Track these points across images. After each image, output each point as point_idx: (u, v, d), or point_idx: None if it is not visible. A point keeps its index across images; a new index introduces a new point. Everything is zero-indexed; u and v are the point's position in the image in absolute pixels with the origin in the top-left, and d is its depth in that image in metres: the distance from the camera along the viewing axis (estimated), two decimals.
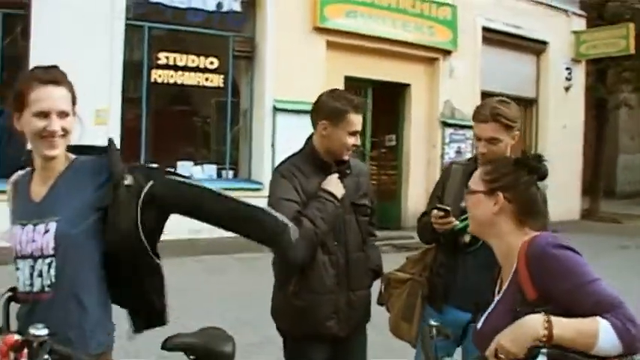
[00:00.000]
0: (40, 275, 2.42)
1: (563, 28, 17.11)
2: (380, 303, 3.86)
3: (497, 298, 2.49)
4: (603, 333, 2.07)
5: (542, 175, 2.51)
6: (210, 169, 11.97)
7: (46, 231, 2.40)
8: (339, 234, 3.48)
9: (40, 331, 2.19)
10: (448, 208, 3.36)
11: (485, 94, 14.86)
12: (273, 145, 11.69)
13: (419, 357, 3.69)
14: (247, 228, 2.68)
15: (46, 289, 2.41)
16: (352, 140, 3.44)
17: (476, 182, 2.54)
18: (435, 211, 3.38)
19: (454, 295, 3.55)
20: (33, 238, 2.42)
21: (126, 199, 2.45)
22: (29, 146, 2.51)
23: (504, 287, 2.44)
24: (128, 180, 2.46)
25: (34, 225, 2.43)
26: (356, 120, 3.43)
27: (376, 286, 3.86)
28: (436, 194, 3.74)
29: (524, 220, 2.46)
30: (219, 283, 8.39)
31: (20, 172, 2.65)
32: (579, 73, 17.66)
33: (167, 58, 11.42)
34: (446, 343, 3.51)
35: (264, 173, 11.07)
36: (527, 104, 16.87)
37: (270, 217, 2.69)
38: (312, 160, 3.51)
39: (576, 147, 17.32)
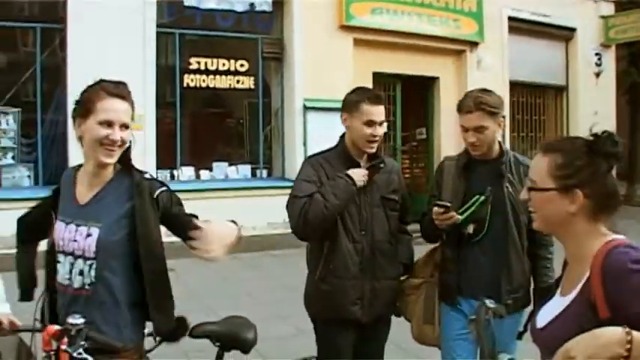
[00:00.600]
0: (81, 274, 2.70)
1: (591, 13, 16.96)
2: (397, 315, 3.98)
3: (563, 301, 2.17)
4: None
5: (619, 158, 2.13)
6: (245, 169, 12.18)
7: (89, 235, 2.68)
8: (366, 224, 3.70)
9: (77, 320, 2.50)
10: (448, 204, 3.49)
11: (513, 84, 14.98)
12: (304, 144, 11.85)
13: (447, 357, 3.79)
14: None
15: (86, 287, 2.69)
16: (370, 130, 3.64)
17: (543, 178, 2.16)
18: (435, 208, 3.49)
19: (467, 287, 3.67)
20: (74, 238, 2.70)
21: (152, 213, 2.74)
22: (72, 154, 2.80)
23: (573, 294, 2.13)
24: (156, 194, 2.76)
25: (77, 226, 2.71)
26: (371, 110, 3.65)
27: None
28: (433, 193, 3.87)
29: (603, 216, 2.14)
30: (255, 279, 8.66)
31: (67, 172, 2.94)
32: (609, 59, 17.45)
33: (198, 63, 11.70)
34: (465, 334, 3.65)
35: (296, 171, 11.06)
36: (557, 92, 16.83)
37: None
38: (342, 156, 3.77)
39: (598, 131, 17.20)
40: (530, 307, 3.57)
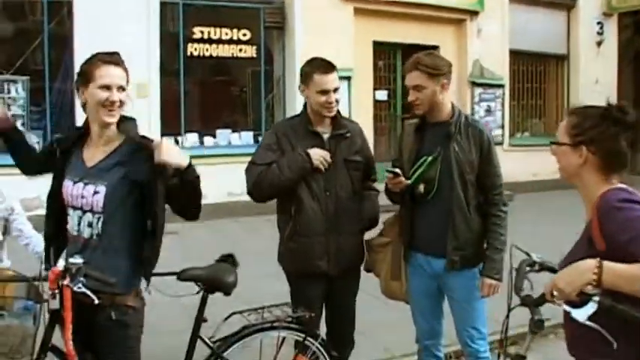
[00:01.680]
0: (90, 226, 3.10)
1: None
2: (367, 269, 4.28)
3: (577, 240, 2.59)
4: None
5: (629, 126, 2.50)
6: (248, 136, 12.44)
7: (96, 192, 3.06)
8: (330, 185, 4.00)
9: (77, 260, 2.90)
10: (397, 170, 3.74)
11: (514, 53, 15.12)
12: None
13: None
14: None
15: (94, 237, 3.10)
16: (324, 98, 3.93)
17: (562, 134, 2.58)
18: (386, 173, 3.78)
19: (420, 243, 3.93)
20: (82, 195, 3.09)
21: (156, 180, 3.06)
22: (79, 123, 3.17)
23: (581, 233, 2.56)
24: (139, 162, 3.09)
25: (85, 184, 3.09)
26: (323, 79, 3.93)
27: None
28: (397, 151, 4.14)
29: (609, 172, 2.51)
30: (254, 240, 9.02)
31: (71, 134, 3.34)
32: (612, 27, 17.45)
33: (202, 32, 11.95)
34: (433, 289, 3.98)
35: None
36: (559, 60, 16.93)
37: None
38: (305, 123, 4.07)
39: (611, 101, 17.27)
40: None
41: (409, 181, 3.78)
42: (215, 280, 3.54)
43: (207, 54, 12.03)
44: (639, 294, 2.19)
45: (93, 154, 3.17)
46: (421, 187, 3.83)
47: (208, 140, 12.10)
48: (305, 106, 4.13)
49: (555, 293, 2.32)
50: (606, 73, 17.20)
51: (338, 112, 4.08)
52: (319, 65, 4.00)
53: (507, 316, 2.70)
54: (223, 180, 11.31)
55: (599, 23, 17.02)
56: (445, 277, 3.90)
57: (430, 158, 3.78)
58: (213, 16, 12.32)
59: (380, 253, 4.19)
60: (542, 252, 2.91)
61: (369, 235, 4.26)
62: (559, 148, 2.60)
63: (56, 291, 2.90)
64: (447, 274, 3.86)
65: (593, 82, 16.70)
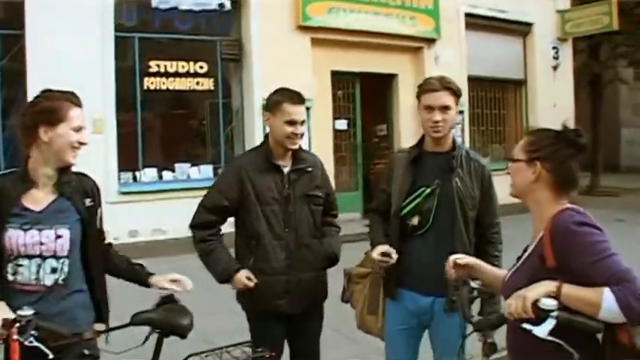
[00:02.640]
0: (54, 271, 3.02)
1: (548, 8, 17.29)
2: (344, 300, 4.08)
3: (524, 256, 2.69)
4: (606, 303, 2.27)
5: (581, 148, 2.63)
6: (207, 170, 12.29)
7: (59, 236, 3.00)
8: (290, 222, 3.89)
9: (26, 311, 2.73)
10: (392, 260, 3.60)
11: (472, 79, 15.25)
12: None
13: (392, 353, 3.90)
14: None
15: (60, 282, 3.04)
16: (291, 129, 3.83)
17: (518, 151, 2.72)
18: (375, 255, 3.63)
19: (410, 279, 3.72)
20: (40, 241, 2.97)
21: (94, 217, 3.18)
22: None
23: (530, 249, 2.66)
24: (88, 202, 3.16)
25: (39, 230, 2.98)
26: (292, 110, 3.84)
27: (338, 279, 4.09)
28: (382, 186, 3.97)
29: (560, 190, 2.63)
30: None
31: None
32: (567, 52, 17.81)
33: (158, 65, 11.82)
34: (412, 327, 3.79)
35: None
36: (516, 85, 17.17)
37: None
38: (266, 156, 3.95)
39: (568, 125, 17.50)
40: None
41: (405, 213, 3.68)
42: (170, 323, 3.42)
43: (164, 87, 11.90)
44: (596, 316, 2.31)
45: (37, 198, 3.04)
46: (415, 220, 3.67)
47: (167, 174, 11.93)
48: (266, 137, 4.03)
49: (518, 308, 2.38)
50: (563, 96, 17.48)
51: (299, 145, 4.01)
52: (290, 95, 3.91)
53: (462, 345, 2.86)
54: (183, 214, 10.94)
55: (554, 48, 17.34)
56: (434, 315, 3.72)
57: (428, 190, 3.64)
58: (169, 49, 12.25)
59: (358, 284, 4.01)
60: None
61: (348, 264, 4.12)
62: (514, 165, 2.72)
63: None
64: (439, 312, 3.69)
65: (551, 106, 16.95)
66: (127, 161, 11.33)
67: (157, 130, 12.64)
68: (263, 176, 3.90)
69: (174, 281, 3.31)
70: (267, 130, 4.05)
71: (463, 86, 14.88)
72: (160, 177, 11.84)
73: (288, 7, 12.65)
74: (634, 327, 2.34)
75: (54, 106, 2.98)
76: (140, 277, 3.38)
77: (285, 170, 3.94)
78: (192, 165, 12.26)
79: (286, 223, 3.89)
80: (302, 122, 3.89)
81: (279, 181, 3.90)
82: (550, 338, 2.32)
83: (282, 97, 3.91)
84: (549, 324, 2.31)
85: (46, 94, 3.05)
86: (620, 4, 17.18)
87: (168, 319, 3.39)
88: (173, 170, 12.04)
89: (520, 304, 2.36)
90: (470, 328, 2.74)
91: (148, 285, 3.35)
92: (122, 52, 11.48)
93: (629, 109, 32.67)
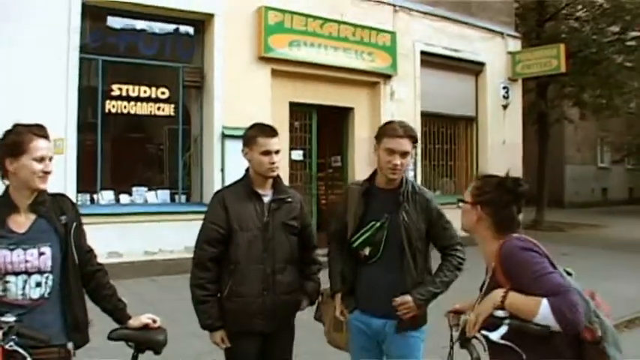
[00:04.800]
0: (39, 285, 3.32)
1: (500, 49, 17.86)
2: (316, 318, 4.49)
3: (483, 289, 3.03)
4: (543, 309, 2.65)
5: (520, 196, 3.04)
6: (164, 195, 12.32)
7: (42, 253, 3.31)
8: (268, 245, 4.15)
9: (8, 318, 3.02)
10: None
11: (425, 115, 15.61)
12: (222, 170, 12.08)
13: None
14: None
15: (45, 295, 3.33)
16: (267, 159, 4.13)
17: (467, 194, 3.14)
18: (337, 314, 4.18)
19: (365, 304, 4.12)
20: (25, 260, 3.28)
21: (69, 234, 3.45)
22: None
23: (486, 281, 3.02)
24: (63, 220, 3.44)
25: (24, 249, 3.28)
26: (266, 142, 4.15)
27: None
28: (340, 212, 4.34)
29: (500, 231, 3.00)
30: (171, 301, 8.92)
31: None
32: (517, 92, 18.36)
33: (120, 89, 11.82)
34: (373, 348, 4.15)
35: None
36: (468, 122, 17.60)
37: None
38: (247, 187, 4.24)
39: (516, 161, 17.92)
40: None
41: (357, 243, 4.04)
42: (146, 338, 3.61)
43: (125, 111, 11.90)
44: (533, 320, 2.69)
45: (20, 221, 3.34)
46: (366, 251, 4.03)
47: (124, 198, 11.93)
48: (247, 170, 4.29)
49: (473, 317, 2.82)
50: (512, 134, 18.02)
51: (279, 178, 4.29)
52: (263, 129, 4.21)
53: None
54: (139, 238, 11.27)
55: (504, 87, 17.87)
56: (387, 337, 4.05)
57: (378, 224, 3.99)
58: (132, 73, 12.28)
59: (328, 304, 4.36)
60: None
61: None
62: (463, 205, 3.14)
63: None
64: (390, 334, 4.02)
65: (501, 143, 17.45)
66: (86, 183, 11.31)
67: (116, 154, 12.60)
68: (244, 204, 4.17)
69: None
70: (244, 163, 4.32)
71: (417, 121, 15.43)
72: (117, 200, 11.83)
73: (250, 38, 12.81)
74: (593, 324, 2.77)
75: (17, 139, 3.29)
76: (118, 316, 3.64)
77: (266, 199, 4.23)
78: (150, 189, 12.26)
79: (264, 247, 4.14)
80: (277, 152, 4.18)
81: (259, 209, 4.18)
82: (502, 341, 2.71)
83: (256, 132, 4.21)
84: (502, 329, 2.71)
85: (15, 128, 3.34)
86: (567, 47, 17.85)
87: (144, 335, 3.62)
88: (130, 194, 12.04)
89: (473, 319, 2.82)
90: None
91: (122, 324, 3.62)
92: (86, 73, 11.53)
93: (573, 146, 33.67)
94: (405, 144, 3.97)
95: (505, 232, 2.98)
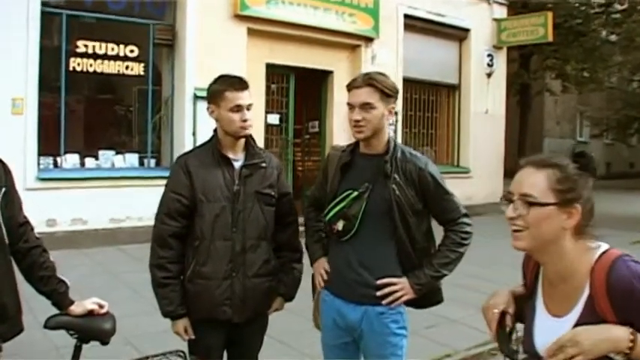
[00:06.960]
0: None
1: (485, 15, 17.45)
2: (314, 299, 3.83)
3: (563, 323, 2.12)
4: None
5: (596, 177, 2.19)
6: (132, 158, 11.84)
7: None
8: (238, 220, 3.55)
9: None
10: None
11: (407, 80, 15.22)
12: (194, 134, 11.62)
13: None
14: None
15: None
16: (239, 116, 3.52)
17: (544, 192, 2.09)
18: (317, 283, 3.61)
19: (334, 285, 3.53)
20: None
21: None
22: None
23: (575, 313, 2.12)
24: None
25: None
26: (236, 96, 3.52)
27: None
28: (319, 180, 3.73)
29: (582, 232, 2.14)
30: (139, 272, 8.44)
31: None
32: (501, 60, 17.99)
33: (86, 46, 11.22)
34: (347, 343, 3.51)
35: None
36: (450, 90, 17.23)
37: None
38: (214, 152, 3.61)
39: (499, 131, 17.70)
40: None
41: (330, 215, 3.44)
42: (90, 327, 3.05)
43: (91, 69, 11.29)
44: None
45: None
46: (339, 225, 3.39)
47: (90, 162, 11.36)
48: (214, 131, 3.68)
49: (572, 352, 1.95)
50: (495, 104, 17.72)
51: (253, 139, 3.70)
52: (231, 82, 3.57)
53: None
54: (106, 204, 10.81)
55: (489, 55, 17.51)
56: (363, 334, 3.44)
57: (355, 194, 3.36)
58: (99, 30, 11.63)
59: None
60: None
61: None
62: (536, 212, 2.08)
63: None
64: (367, 331, 3.41)
65: (483, 112, 17.15)
66: (48, 146, 10.75)
67: (81, 115, 12.09)
68: (210, 171, 3.56)
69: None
70: (213, 123, 3.69)
71: (398, 87, 14.93)
72: (83, 164, 11.28)
73: None
74: None
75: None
76: (57, 301, 3.07)
77: (237, 165, 3.62)
78: (117, 153, 11.75)
79: (234, 222, 3.55)
80: (248, 107, 3.57)
81: (228, 176, 3.57)
82: None
83: (223, 86, 3.57)
84: None
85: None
86: (553, 17, 17.45)
87: (87, 323, 3.05)
88: (96, 157, 11.50)
89: (572, 352, 1.96)
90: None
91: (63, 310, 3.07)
92: (48, 29, 10.88)
93: (552, 120, 33.73)
94: (363, 94, 3.29)
95: (587, 231, 2.14)
